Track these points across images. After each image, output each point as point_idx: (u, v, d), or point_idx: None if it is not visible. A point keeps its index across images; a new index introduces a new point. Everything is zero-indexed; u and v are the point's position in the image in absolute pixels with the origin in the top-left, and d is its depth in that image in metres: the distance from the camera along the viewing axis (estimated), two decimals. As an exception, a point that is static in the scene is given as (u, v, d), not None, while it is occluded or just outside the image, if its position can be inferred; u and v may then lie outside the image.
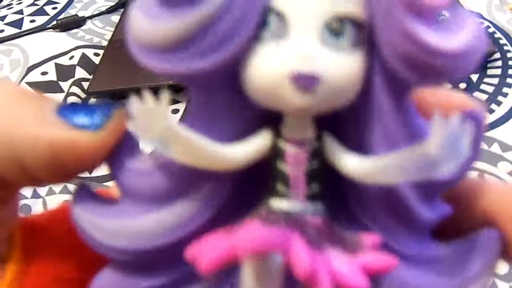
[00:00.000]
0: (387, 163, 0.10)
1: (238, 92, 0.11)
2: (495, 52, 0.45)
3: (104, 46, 0.52)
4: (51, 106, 0.12)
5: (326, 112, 0.11)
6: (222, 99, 0.11)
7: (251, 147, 0.11)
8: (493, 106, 0.42)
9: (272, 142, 0.11)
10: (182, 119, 0.12)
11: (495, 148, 0.38)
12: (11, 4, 0.64)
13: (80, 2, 0.63)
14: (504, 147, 0.38)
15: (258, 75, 0.10)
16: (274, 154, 0.11)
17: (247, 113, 0.11)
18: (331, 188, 0.12)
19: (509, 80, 0.44)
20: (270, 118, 0.11)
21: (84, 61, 0.51)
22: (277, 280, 0.10)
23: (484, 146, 0.38)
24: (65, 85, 0.48)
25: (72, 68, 0.50)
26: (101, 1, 0.63)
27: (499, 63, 0.46)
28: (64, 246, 0.14)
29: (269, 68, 0.10)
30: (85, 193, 0.13)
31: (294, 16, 0.10)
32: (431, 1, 0.09)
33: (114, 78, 0.46)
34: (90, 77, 0.48)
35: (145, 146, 0.12)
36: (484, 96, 0.43)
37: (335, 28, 0.10)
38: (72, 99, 0.46)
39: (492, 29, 0.50)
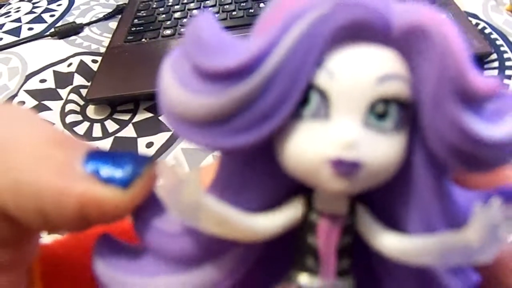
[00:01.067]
0: (424, 246, 0.10)
1: (271, 162, 0.10)
2: (491, 53, 0.45)
3: (102, 53, 0.52)
4: (79, 154, 0.11)
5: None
6: (255, 168, 0.11)
7: (281, 218, 0.11)
8: (490, 107, 0.42)
9: (303, 214, 0.11)
10: (211, 185, 0.12)
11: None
12: (9, 12, 0.64)
13: (77, 9, 0.63)
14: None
15: (296, 156, 0.10)
16: (304, 227, 0.11)
17: (279, 182, 0.11)
18: (360, 260, 0.11)
19: (506, 81, 0.44)
20: (302, 187, 0.11)
21: (82, 68, 0.51)
22: None
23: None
24: (63, 92, 0.48)
25: (70, 75, 0.50)
26: (99, 8, 0.63)
27: (496, 64, 0.46)
28: (83, 280, 0.13)
29: (309, 151, 0.09)
30: (107, 245, 0.12)
31: (337, 96, 0.09)
32: (481, 90, 0.09)
33: (113, 85, 0.46)
34: (88, 84, 0.48)
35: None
36: (481, 97, 0.43)
37: (380, 111, 0.09)
38: (70, 106, 0.46)
39: (488, 30, 0.50)
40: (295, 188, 0.11)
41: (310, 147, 0.09)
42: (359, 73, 0.09)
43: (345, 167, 0.09)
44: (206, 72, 0.09)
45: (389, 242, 0.10)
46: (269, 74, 0.09)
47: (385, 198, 0.11)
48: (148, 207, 0.12)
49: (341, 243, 0.11)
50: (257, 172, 0.11)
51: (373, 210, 0.11)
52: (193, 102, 0.09)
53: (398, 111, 0.09)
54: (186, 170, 0.10)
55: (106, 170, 0.11)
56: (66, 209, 0.11)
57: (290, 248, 0.11)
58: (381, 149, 0.09)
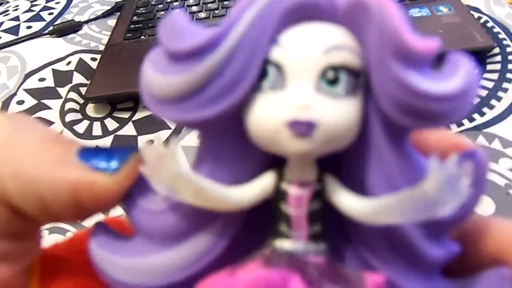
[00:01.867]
0: (386, 204, 0.11)
1: (243, 137, 0.11)
2: (494, 47, 0.45)
3: (101, 51, 0.52)
4: (73, 149, 0.13)
5: (327, 154, 0.11)
6: (228, 143, 0.12)
7: (255, 190, 0.12)
8: (493, 101, 0.42)
9: (275, 184, 0.12)
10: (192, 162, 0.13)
11: (496, 145, 0.38)
12: (7, 10, 0.63)
13: (76, 7, 0.63)
14: (505, 143, 0.38)
15: (258, 123, 0.11)
16: (277, 196, 0.12)
17: (252, 156, 0.12)
18: (336, 227, 0.12)
19: (508, 75, 0.44)
20: (274, 160, 0.12)
21: (81, 66, 0.51)
22: None
23: (484, 142, 0.38)
24: (62, 91, 0.48)
25: (69, 74, 0.50)
26: (97, 6, 0.63)
27: (498, 58, 0.46)
28: (80, 278, 0.14)
29: (268, 116, 0.11)
30: (101, 230, 0.13)
31: (291, 67, 0.10)
32: (418, 48, 0.09)
33: (112, 83, 0.46)
34: (88, 82, 0.48)
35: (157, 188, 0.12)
36: (484, 92, 0.43)
37: (330, 77, 0.10)
38: (70, 105, 0.46)
39: (490, 24, 0.49)
40: (267, 164, 0.12)
41: (269, 114, 0.11)
42: (308, 45, 0.10)
43: (301, 127, 0.10)
44: (174, 54, 0.11)
45: (352, 204, 0.11)
46: (227, 51, 0.10)
47: (350, 165, 0.12)
48: (135, 191, 0.13)
49: (311, 209, 0.11)
50: (231, 148, 0.12)
51: (341, 179, 0.12)
52: (164, 82, 0.11)
53: (348, 78, 0.10)
54: (167, 147, 0.11)
55: (97, 161, 0.13)
56: (62, 195, 0.12)
57: (270, 219, 0.12)
58: (334, 111, 0.10)
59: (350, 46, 0.11)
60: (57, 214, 0.13)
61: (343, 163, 0.12)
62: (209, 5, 0.56)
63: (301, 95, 0.10)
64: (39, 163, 0.12)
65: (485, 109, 0.41)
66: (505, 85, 0.43)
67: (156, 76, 0.11)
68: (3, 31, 0.58)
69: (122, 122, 0.44)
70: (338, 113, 0.10)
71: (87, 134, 0.43)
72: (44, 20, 0.60)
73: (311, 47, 0.10)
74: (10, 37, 0.57)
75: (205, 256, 0.12)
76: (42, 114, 0.45)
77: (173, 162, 0.11)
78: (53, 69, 0.51)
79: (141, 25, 0.54)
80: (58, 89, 0.49)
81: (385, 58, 0.10)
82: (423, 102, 0.10)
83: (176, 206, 0.12)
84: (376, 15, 0.10)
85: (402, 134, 0.11)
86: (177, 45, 0.11)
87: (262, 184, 0.12)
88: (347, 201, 0.11)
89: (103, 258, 0.13)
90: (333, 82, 0.10)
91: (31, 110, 0.46)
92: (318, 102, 0.10)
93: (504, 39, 0.48)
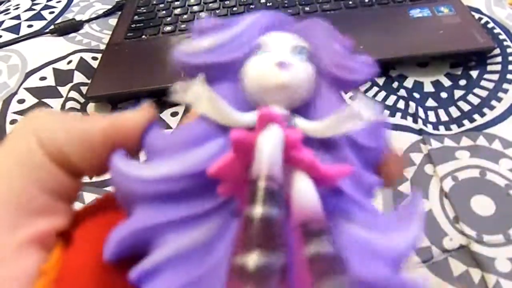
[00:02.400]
0: (330, 120, 0.16)
1: (238, 89, 0.17)
2: (494, 48, 0.45)
3: (102, 50, 0.52)
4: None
5: (295, 106, 0.17)
6: (228, 91, 0.17)
7: (249, 117, 0.16)
8: (494, 102, 0.42)
9: None
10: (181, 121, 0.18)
11: (496, 145, 0.38)
12: (8, 9, 0.63)
13: (77, 6, 0.63)
14: (505, 144, 0.38)
15: (254, 68, 0.17)
16: None
17: (242, 103, 0.17)
18: None
19: (509, 76, 0.44)
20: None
21: (82, 66, 0.51)
22: (280, 150, 0.15)
23: (485, 143, 0.38)
24: (63, 90, 0.48)
25: (70, 73, 0.50)
26: (98, 5, 0.63)
27: (499, 59, 0.46)
28: (103, 231, 0.16)
29: (263, 62, 0.17)
30: (122, 153, 0.17)
31: (274, 45, 0.17)
32: (345, 40, 0.18)
33: (113, 82, 0.46)
34: (89, 81, 0.48)
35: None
36: (484, 93, 0.43)
37: (296, 50, 0.17)
38: (70, 104, 0.46)
39: (491, 25, 0.49)
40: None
41: (263, 61, 0.17)
42: (282, 36, 0.18)
43: (284, 64, 0.16)
44: (202, 29, 0.18)
45: (312, 125, 0.17)
46: (230, 34, 0.18)
47: (308, 113, 0.17)
48: (150, 129, 0.18)
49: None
50: (230, 94, 0.17)
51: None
52: (198, 44, 0.18)
53: (305, 52, 0.17)
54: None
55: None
56: (103, 135, 0.16)
57: None
58: (300, 64, 0.17)
59: (303, 40, 0.18)
60: (100, 159, 0.16)
61: (303, 113, 0.17)
62: (210, 4, 0.56)
63: (282, 53, 0.17)
64: (82, 120, 0.17)
65: (485, 110, 0.41)
66: (505, 86, 0.43)
67: (193, 42, 0.18)
68: (4, 29, 0.58)
69: (123, 121, 0.44)
70: (302, 66, 0.17)
71: (88, 133, 0.43)
72: (45, 19, 0.60)
73: (284, 37, 0.18)
74: (11, 36, 0.57)
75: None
76: (43, 113, 0.45)
77: (198, 83, 0.16)
78: (54, 68, 0.51)
79: (142, 24, 0.54)
80: (59, 88, 0.49)
81: (330, 43, 0.18)
82: (350, 62, 0.18)
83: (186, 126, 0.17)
84: (320, 28, 0.19)
85: (339, 88, 0.18)
86: (205, 24, 0.18)
87: (253, 114, 0.16)
88: (308, 124, 0.17)
89: (122, 164, 0.16)
90: (297, 52, 0.17)
91: (31, 109, 0.46)
92: (291, 58, 0.17)
93: (505, 40, 0.48)
